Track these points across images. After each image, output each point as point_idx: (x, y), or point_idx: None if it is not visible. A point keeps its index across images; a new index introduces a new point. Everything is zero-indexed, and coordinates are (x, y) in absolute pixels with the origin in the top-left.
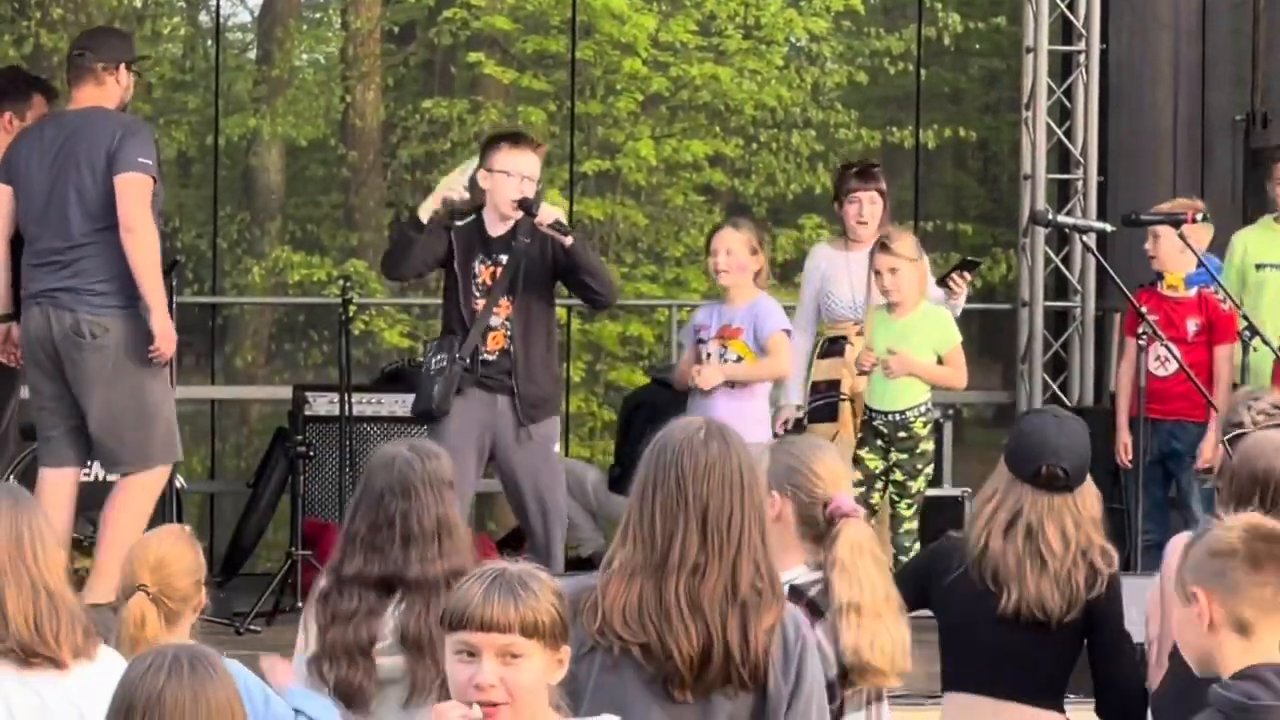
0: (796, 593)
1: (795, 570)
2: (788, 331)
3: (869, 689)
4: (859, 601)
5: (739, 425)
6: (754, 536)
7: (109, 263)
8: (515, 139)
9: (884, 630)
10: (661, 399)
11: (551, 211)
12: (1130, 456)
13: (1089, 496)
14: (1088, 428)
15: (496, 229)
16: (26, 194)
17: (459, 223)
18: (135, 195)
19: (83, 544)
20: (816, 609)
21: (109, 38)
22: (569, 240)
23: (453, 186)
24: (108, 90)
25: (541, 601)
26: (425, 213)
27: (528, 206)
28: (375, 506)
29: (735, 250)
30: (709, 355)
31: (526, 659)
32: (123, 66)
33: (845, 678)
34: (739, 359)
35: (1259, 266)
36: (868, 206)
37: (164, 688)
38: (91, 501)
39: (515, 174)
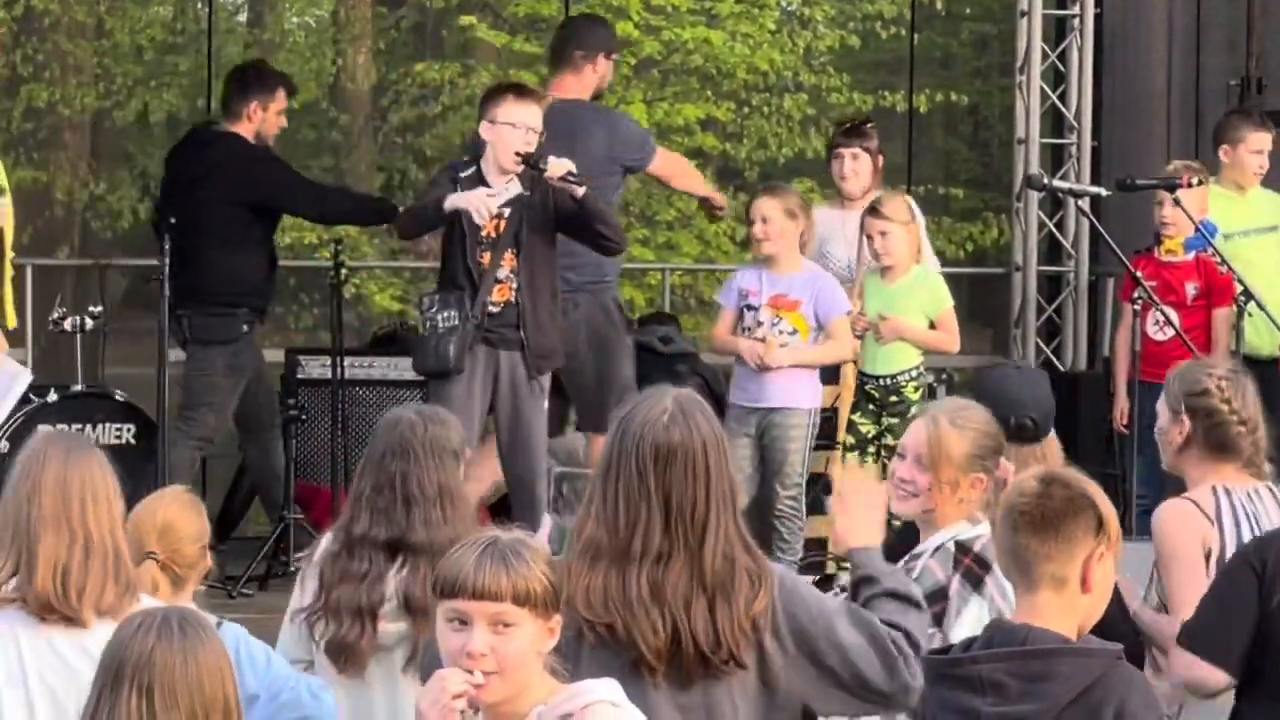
0: (962, 548)
1: (957, 526)
2: (849, 313)
3: None
4: None
5: (791, 395)
6: (721, 523)
7: None
8: (520, 90)
9: None
10: (642, 367)
11: (562, 164)
12: (1126, 421)
13: (1053, 445)
14: (1047, 378)
15: (497, 182)
16: None
17: (463, 174)
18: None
19: None
20: (983, 562)
21: (593, 26)
22: (580, 191)
23: (479, 209)
24: (584, 80)
25: (533, 570)
26: (449, 204)
27: (535, 163)
28: (377, 467)
29: (772, 217)
30: (760, 323)
31: (518, 628)
32: (601, 56)
33: None
34: (794, 331)
35: (1227, 237)
36: (849, 162)
37: (154, 648)
38: None
39: (520, 126)
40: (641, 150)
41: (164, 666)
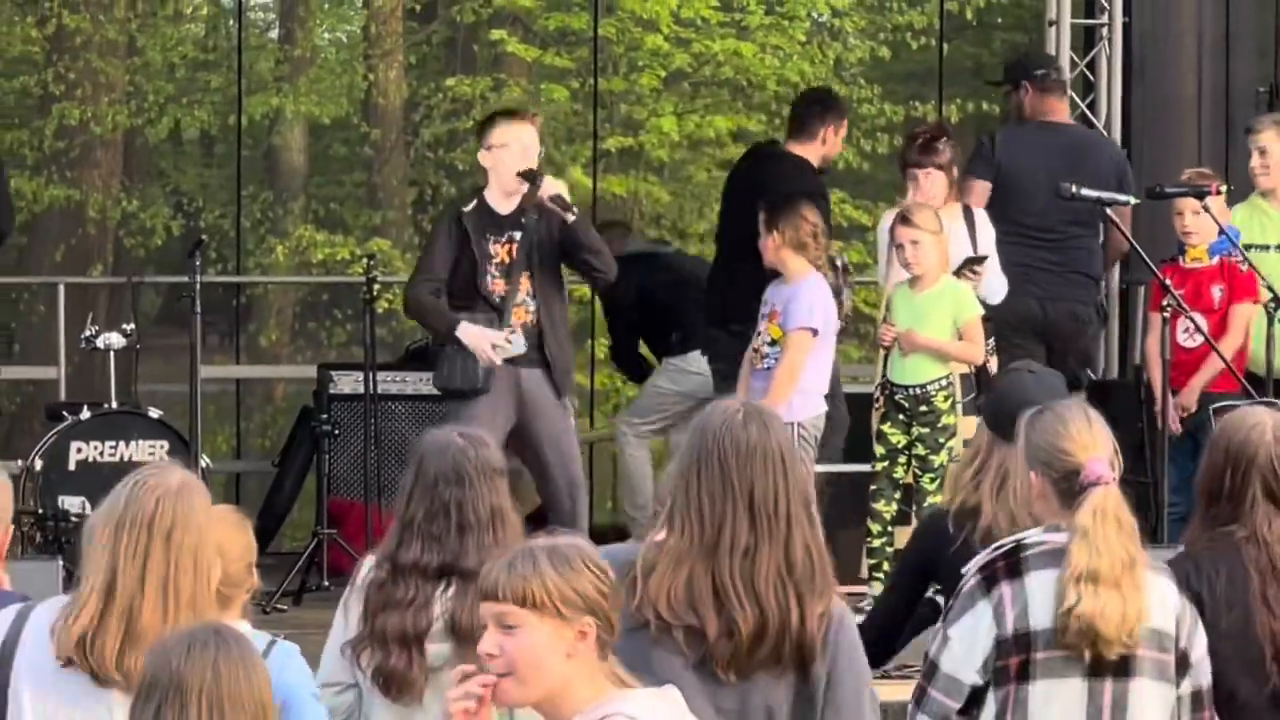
0: (1010, 551)
1: (1032, 531)
2: (814, 331)
3: (1109, 660)
4: (1097, 569)
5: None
6: (801, 517)
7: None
8: (509, 113)
9: (1118, 599)
10: None
11: (553, 184)
12: (1175, 426)
13: None
14: (1062, 380)
15: (504, 206)
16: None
17: (465, 209)
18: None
19: None
20: (1017, 569)
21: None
22: (570, 217)
23: (484, 352)
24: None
25: (544, 573)
26: (460, 334)
27: (531, 177)
28: (429, 493)
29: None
30: (758, 334)
31: (523, 629)
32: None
33: (1056, 642)
34: (773, 341)
35: (1246, 248)
36: (923, 182)
37: (184, 665)
38: None
39: (515, 144)
40: None
41: (197, 682)
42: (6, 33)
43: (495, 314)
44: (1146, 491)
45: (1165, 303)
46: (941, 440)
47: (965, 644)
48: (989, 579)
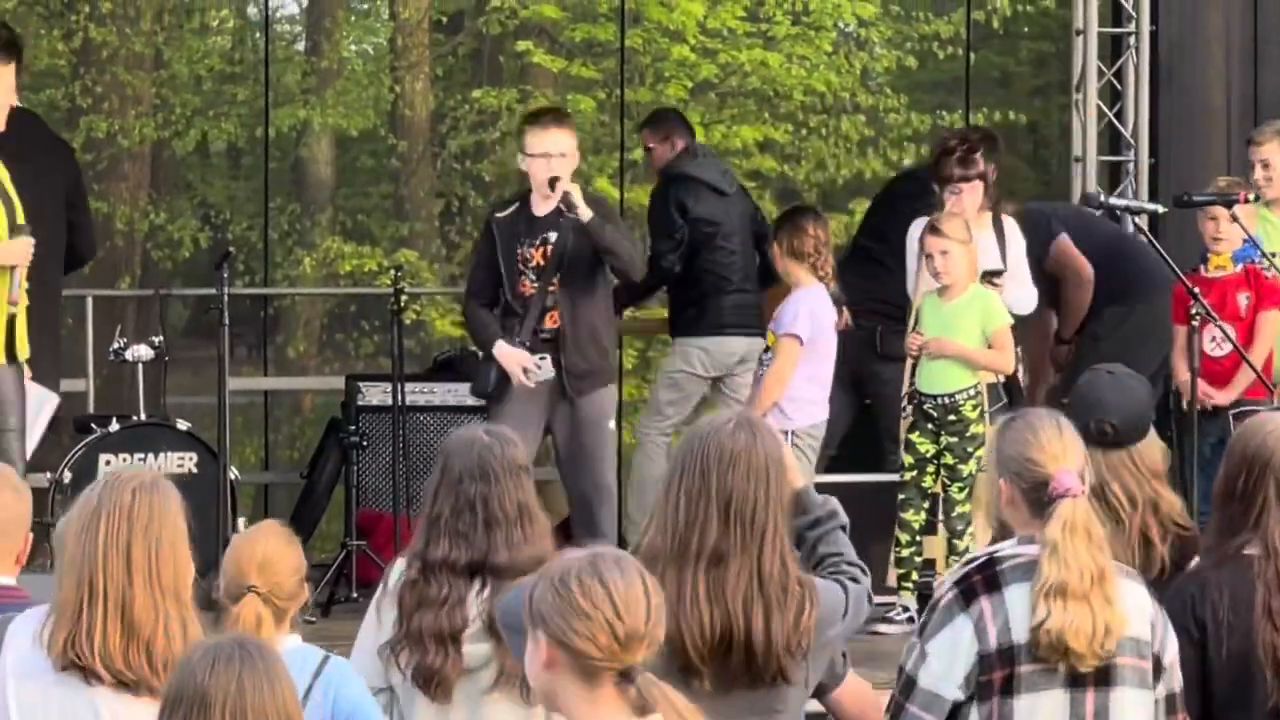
0: (985, 565)
1: (1005, 544)
2: (799, 338)
3: (1090, 671)
4: (1065, 582)
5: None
6: (779, 531)
7: None
8: (539, 119)
9: (1087, 613)
10: None
11: (563, 186)
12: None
13: (1150, 450)
14: (1145, 385)
15: (541, 209)
16: None
17: (500, 214)
18: None
19: None
20: (994, 583)
21: None
22: (579, 216)
23: (515, 372)
24: None
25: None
26: (495, 352)
27: (554, 184)
28: (454, 490)
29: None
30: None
31: None
32: None
33: (1034, 655)
34: (766, 349)
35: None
36: (966, 193)
37: (208, 679)
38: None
39: (541, 154)
40: None
41: (254, 694)
42: (34, 46)
43: (518, 319)
44: None
45: (1193, 311)
46: (970, 449)
47: (945, 659)
48: (967, 593)
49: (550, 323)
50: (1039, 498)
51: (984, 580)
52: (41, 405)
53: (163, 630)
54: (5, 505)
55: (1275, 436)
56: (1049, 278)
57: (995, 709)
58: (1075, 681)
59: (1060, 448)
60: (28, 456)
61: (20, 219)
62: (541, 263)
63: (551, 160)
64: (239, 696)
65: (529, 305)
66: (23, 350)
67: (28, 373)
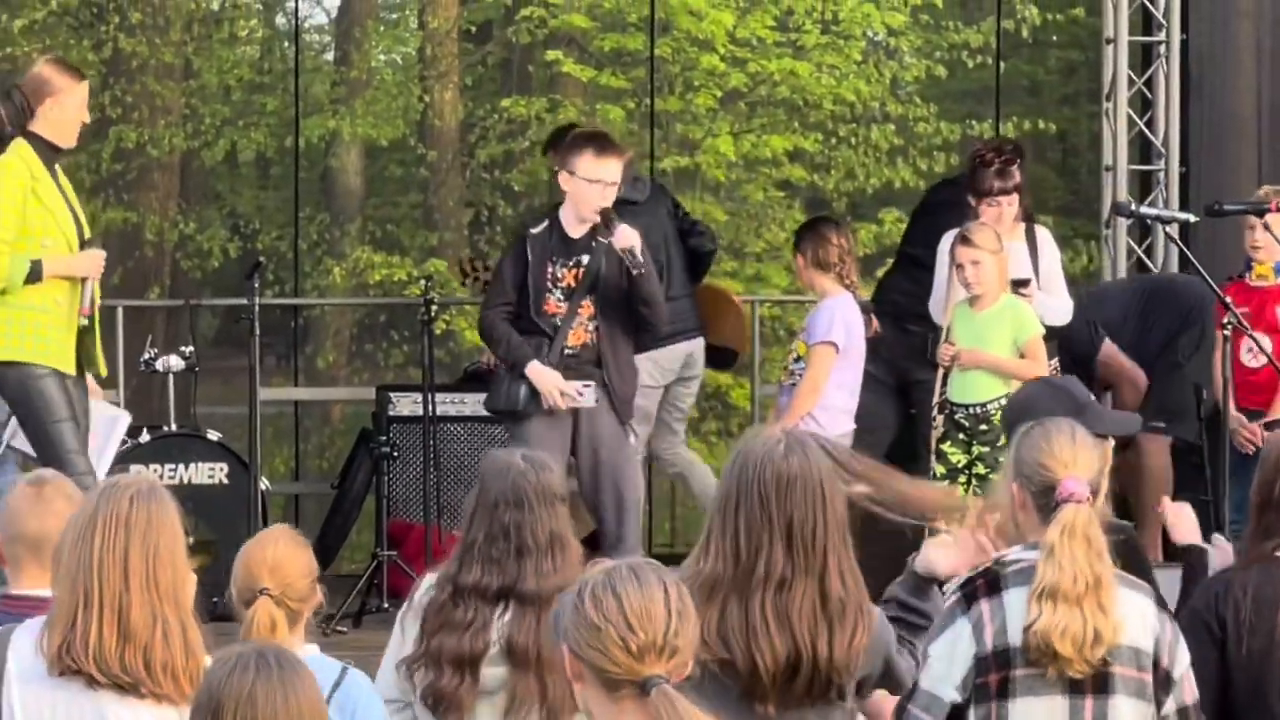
0: (989, 570)
1: (1012, 549)
2: (835, 345)
3: (1087, 677)
4: (1058, 585)
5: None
6: (839, 547)
7: None
8: (601, 146)
9: (1077, 617)
10: None
11: (627, 237)
12: (1255, 442)
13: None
14: (1074, 388)
15: (576, 230)
16: None
17: (533, 230)
18: None
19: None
20: (995, 586)
21: None
22: (637, 271)
23: (551, 394)
24: None
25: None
26: (528, 373)
27: (609, 220)
28: (490, 515)
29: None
30: (789, 351)
31: None
32: None
33: (1028, 659)
34: (798, 358)
35: None
36: (1005, 206)
37: (254, 685)
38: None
39: (599, 182)
40: None
41: (266, 703)
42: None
43: (547, 338)
44: (1207, 510)
45: (1225, 320)
46: (1002, 459)
47: (945, 661)
48: (969, 596)
49: (574, 340)
50: (1047, 503)
51: (986, 584)
52: (114, 423)
53: (160, 635)
54: (58, 514)
55: None
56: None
57: (993, 712)
58: (1075, 688)
59: (1071, 455)
60: (99, 474)
61: (88, 233)
62: (573, 284)
63: (607, 189)
64: (249, 704)
65: (556, 324)
66: (93, 365)
67: (97, 390)
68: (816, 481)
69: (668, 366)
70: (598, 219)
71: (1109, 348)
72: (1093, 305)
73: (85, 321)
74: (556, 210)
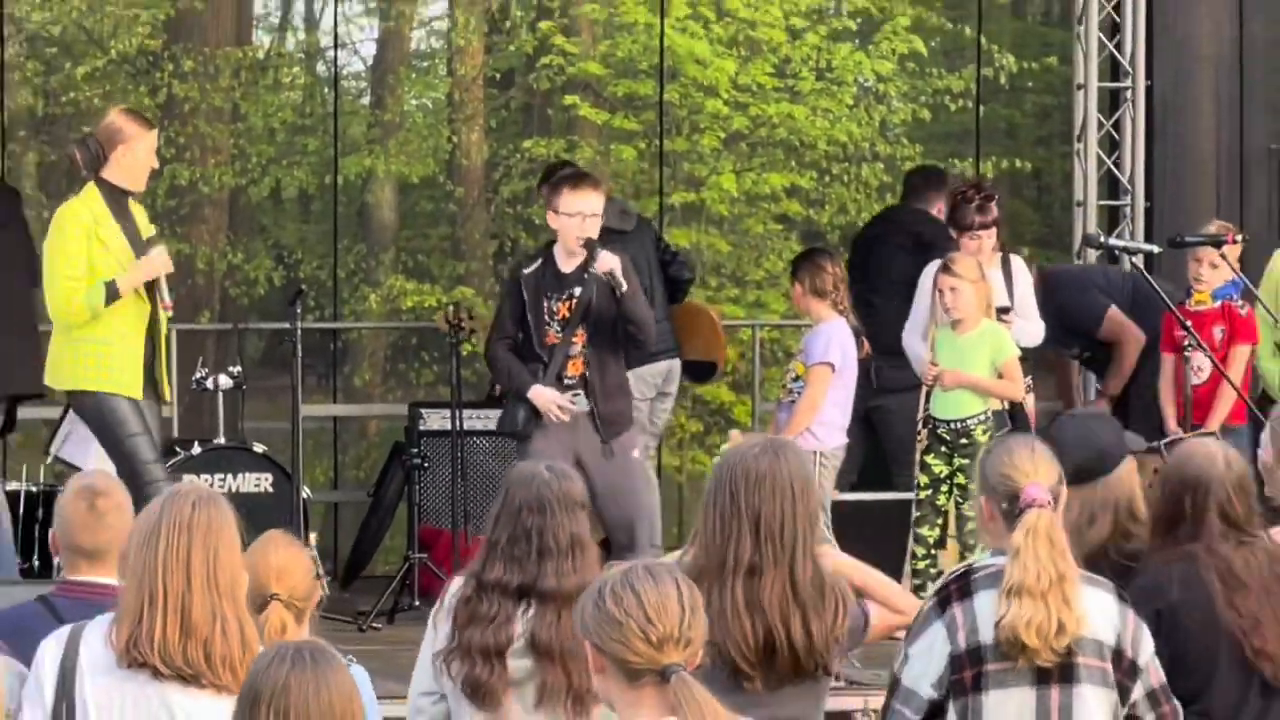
0: (961, 574)
1: (982, 557)
2: (831, 365)
3: (1054, 668)
4: (1024, 581)
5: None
6: (810, 545)
7: None
8: (575, 182)
9: (1043, 610)
10: None
11: (608, 261)
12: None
13: (1113, 486)
14: (1111, 425)
15: (567, 265)
16: None
17: (526, 270)
18: None
19: None
20: (967, 590)
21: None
22: (622, 289)
23: (550, 410)
24: None
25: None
26: (530, 396)
27: (591, 248)
28: (514, 520)
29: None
30: (787, 371)
31: None
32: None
33: (999, 654)
34: (796, 378)
35: None
36: (985, 239)
37: (288, 677)
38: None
39: (576, 214)
40: None
41: (299, 693)
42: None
43: (543, 365)
44: None
45: (1186, 341)
46: None
47: (922, 661)
48: (943, 601)
49: (573, 369)
50: (1012, 509)
51: (958, 589)
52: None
53: (219, 630)
54: (110, 526)
55: (1210, 461)
56: (1100, 342)
57: (968, 704)
58: (1041, 679)
59: (1032, 466)
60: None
61: (143, 233)
62: (566, 315)
63: (586, 220)
64: (283, 694)
65: (556, 351)
66: (159, 386)
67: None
68: (786, 480)
69: (651, 381)
70: (582, 250)
71: (1114, 313)
72: (1114, 285)
73: (170, 314)
74: (550, 248)
